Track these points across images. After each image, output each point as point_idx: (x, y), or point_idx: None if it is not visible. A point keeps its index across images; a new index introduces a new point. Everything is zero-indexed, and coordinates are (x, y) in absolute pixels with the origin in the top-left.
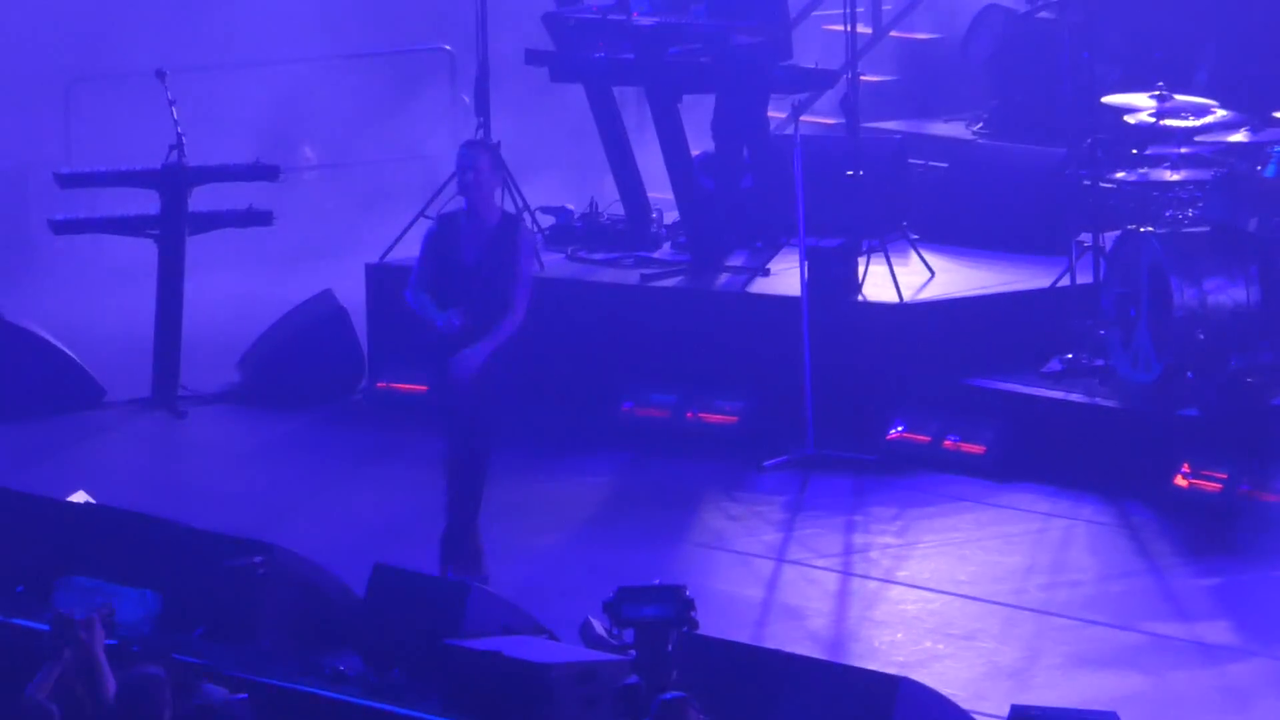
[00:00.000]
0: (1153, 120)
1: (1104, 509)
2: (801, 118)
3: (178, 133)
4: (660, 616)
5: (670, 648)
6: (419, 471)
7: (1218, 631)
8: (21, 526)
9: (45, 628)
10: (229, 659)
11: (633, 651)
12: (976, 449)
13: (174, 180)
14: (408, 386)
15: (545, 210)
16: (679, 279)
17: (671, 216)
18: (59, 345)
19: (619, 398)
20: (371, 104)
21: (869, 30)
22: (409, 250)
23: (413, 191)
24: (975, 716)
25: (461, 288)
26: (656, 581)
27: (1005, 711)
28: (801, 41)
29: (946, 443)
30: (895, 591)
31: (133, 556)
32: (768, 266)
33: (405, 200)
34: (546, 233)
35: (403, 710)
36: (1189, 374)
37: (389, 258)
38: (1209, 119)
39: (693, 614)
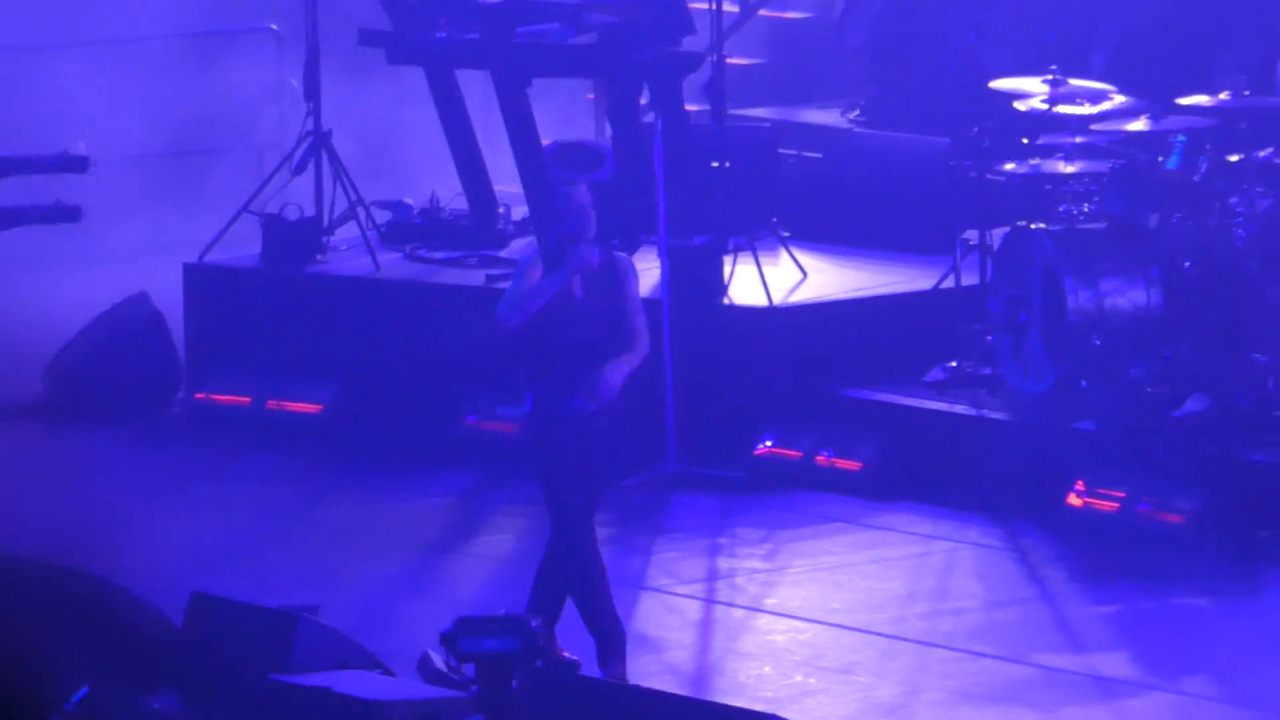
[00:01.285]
0: (1045, 107)
1: (991, 530)
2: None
3: None
4: (502, 650)
5: (515, 684)
6: (242, 490)
7: (1114, 663)
8: None
9: None
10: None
11: (474, 688)
12: (852, 465)
13: None
14: (229, 398)
15: (381, 205)
16: None
17: (520, 212)
18: None
19: (463, 410)
20: (190, 88)
21: (735, 9)
22: (231, 249)
23: (235, 184)
24: None
25: (569, 323)
26: (502, 612)
27: None
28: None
29: (820, 458)
30: (763, 621)
31: None
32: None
33: (227, 194)
34: (382, 230)
35: None
36: (1084, 383)
37: (209, 256)
38: (1106, 106)
39: (541, 646)
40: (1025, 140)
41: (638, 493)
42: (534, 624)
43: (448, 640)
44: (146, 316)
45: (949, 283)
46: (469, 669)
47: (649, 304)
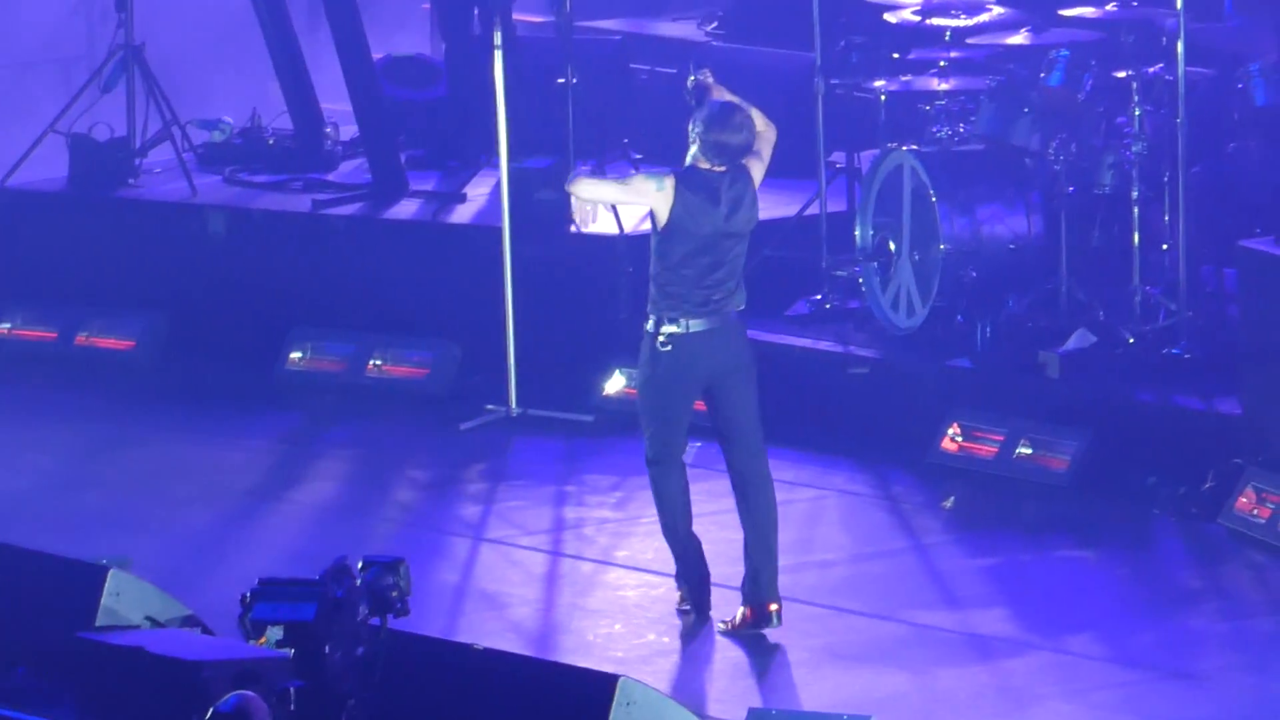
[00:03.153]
0: (917, 19)
1: (858, 477)
2: (516, 16)
3: None
4: (295, 620)
5: (329, 648)
6: (46, 432)
7: (992, 620)
8: None
9: None
10: None
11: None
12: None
13: None
14: (33, 333)
15: (199, 124)
16: (358, 206)
17: (349, 131)
18: None
19: (286, 347)
20: None
21: None
22: (36, 171)
23: (40, 101)
24: None
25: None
26: (322, 566)
27: (742, 716)
28: None
29: None
30: (613, 575)
31: None
32: (464, 191)
33: (31, 112)
34: (200, 151)
35: (28, 717)
36: (959, 318)
37: (13, 180)
38: (983, 18)
39: (351, 608)
40: (896, 55)
41: (477, 436)
42: (339, 590)
43: (243, 610)
44: None
45: (813, 209)
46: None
47: (490, 233)
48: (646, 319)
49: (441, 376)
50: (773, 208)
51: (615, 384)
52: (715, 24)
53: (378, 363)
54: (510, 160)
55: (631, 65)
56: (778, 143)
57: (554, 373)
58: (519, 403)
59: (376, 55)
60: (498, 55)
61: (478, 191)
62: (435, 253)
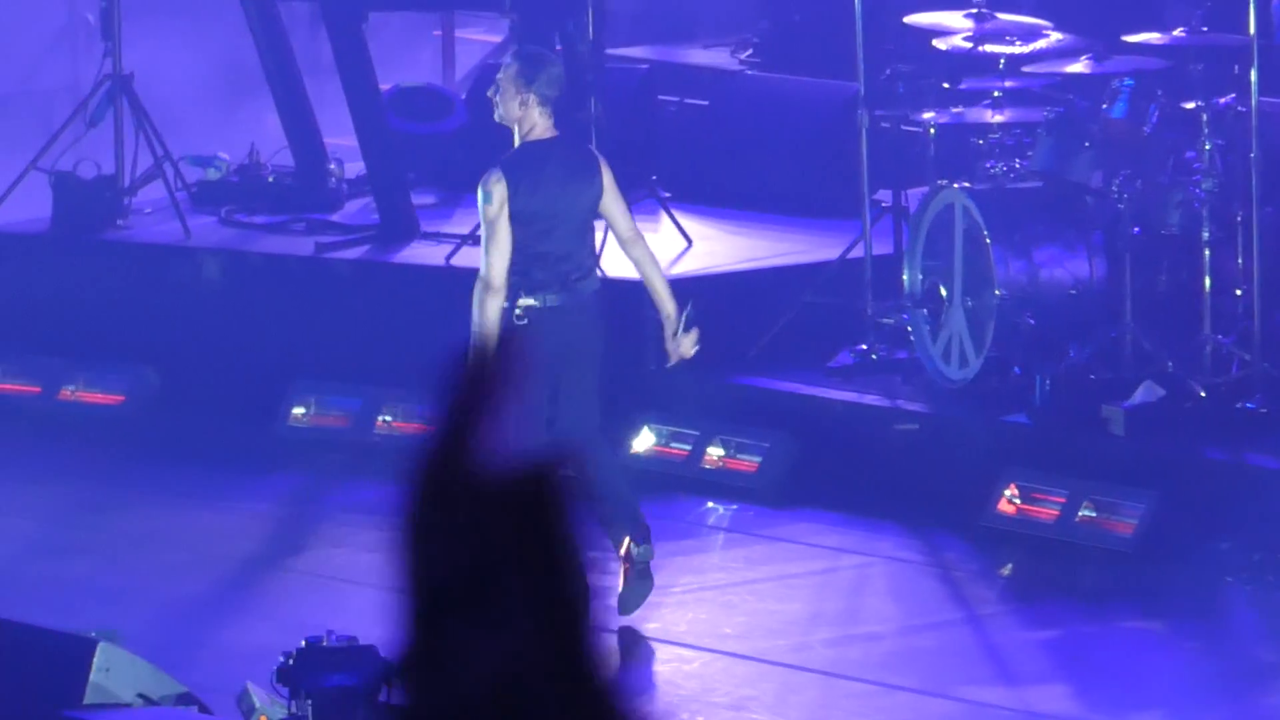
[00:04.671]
0: (969, 46)
1: (908, 542)
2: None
3: None
4: (348, 685)
5: None
6: (28, 494)
7: (1051, 698)
8: None
9: None
10: None
11: None
12: (746, 465)
13: None
14: (14, 386)
15: (193, 161)
16: (364, 249)
17: (355, 168)
18: None
19: (287, 402)
20: None
21: None
22: (17, 211)
23: (21, 136)
24: None
25: None
26: (332, 637)
27: None
28: None
29: (708, 458)
30: (644, 648)
31: None
32: (478, 233)
33: (12, 148)
34: (193, 190)
35: None
36: (1016, 369)
37: None
38: (1040, 44)
39: (393, 681)
40: (946, 85)
41: None
42: (383, 654)
43: (285, 674)
44: None
45: (857, 252)
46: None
47: None
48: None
49: None
50: (814, 250)
51: (645, 441)
52: (750, 51)
53: (387, 419)
54: None
55: (659, 96)
56: (820, 181)
57: None
58: None
59: (384, 86)
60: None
61: None
62: (448, 300)
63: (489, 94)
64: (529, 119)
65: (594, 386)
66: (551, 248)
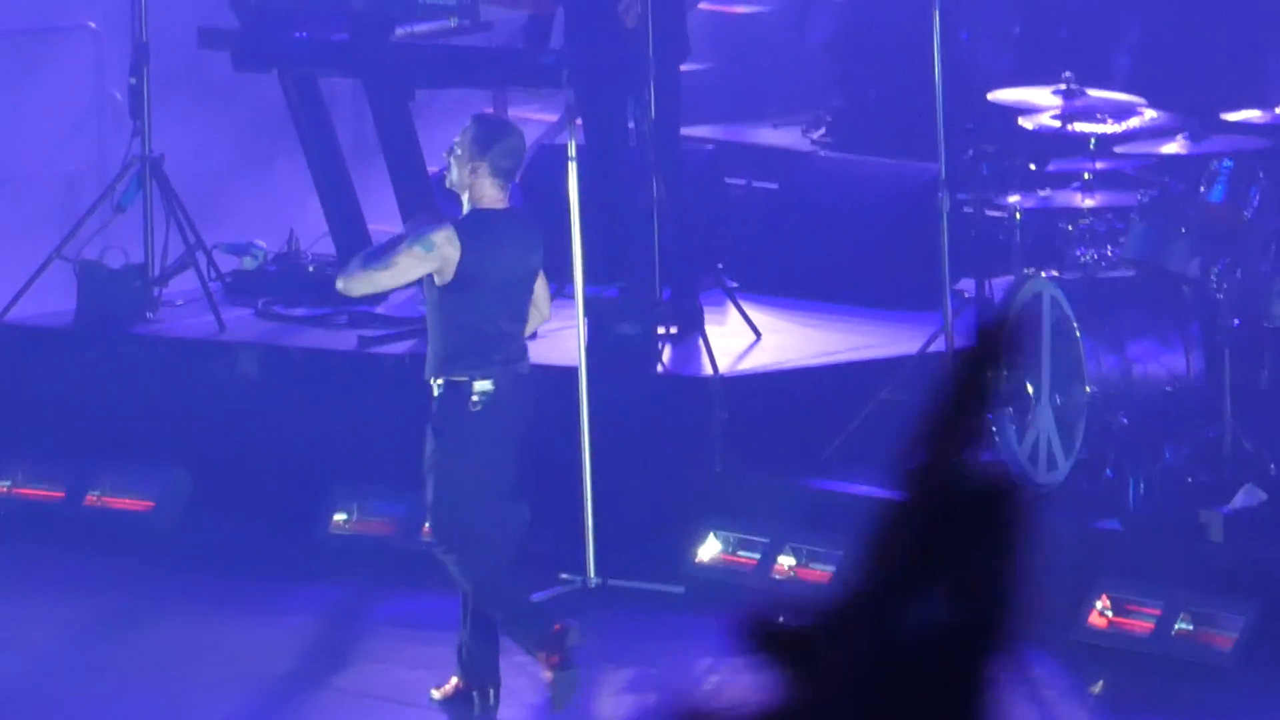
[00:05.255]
0: (1057, 125)
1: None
2: (577, 121)
3: None
4: None
5: None
6: (51, 607)
7: None
8: None
9: None
10: None
11: None
12: (820, 575)
13: None
14: (37, 491)
15: (227, 249)
16: (410, 343)
17: None
18: None
19: (328, 508)
20: None
21: None
22: (39, 303)
23: (43, 222)
24: None
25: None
26: None
27: None
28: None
29: (778, 567)
30: None
31: None
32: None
33: (34, 234)
34: (228, 280)
35: None
36: (1108, 472)
37: (12, 314)
38: (1133, 123)
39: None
40: (1032, 166)
41: (549, 609)
42: None
43: None
44: None
45: (937, 346)
46: None
47: (564, 374)
48: (436, 379)
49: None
50: (890, 344)
51: (710, 549)
52: (823, 130)
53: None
54: (586, 288)
55: (727, 178)
56: (897, 269)
57: (638, 536)
58: (598, 571)
59: (431, 168)
60: (571, 167)
61: (549, 326)
62: None
63: (444, 154)
64: (478, 187)
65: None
66: (501, 324)
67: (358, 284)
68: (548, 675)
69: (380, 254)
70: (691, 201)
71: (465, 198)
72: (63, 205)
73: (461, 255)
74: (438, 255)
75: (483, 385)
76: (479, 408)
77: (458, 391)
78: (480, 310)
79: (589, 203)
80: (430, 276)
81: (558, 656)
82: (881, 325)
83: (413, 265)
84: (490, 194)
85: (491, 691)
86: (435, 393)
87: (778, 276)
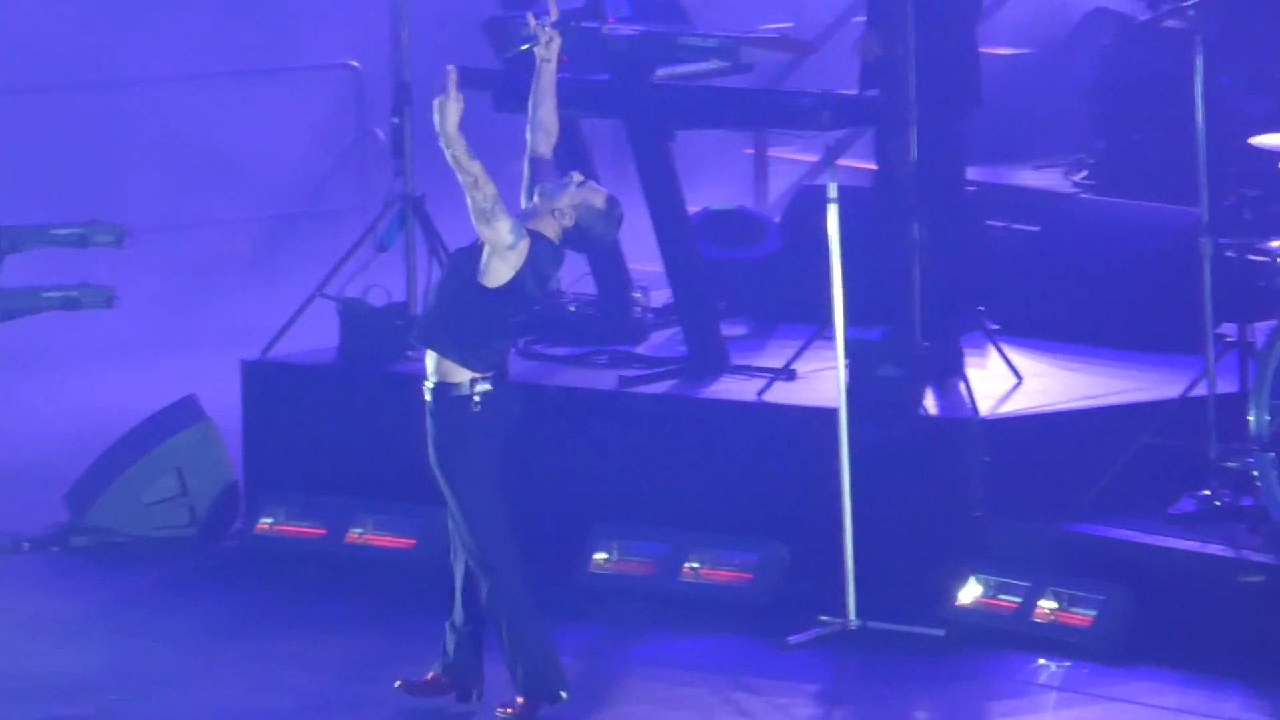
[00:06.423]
0: None
1: (1256, 704)
2: (839, 162)
3: None
4: None
5: None
6: (313, 646)
7: None
8: None
9: None
10: None
11: None
12: (1081, 619)
13: None
14: (298, 529)
15: None
16: (671, 383)
17: (661, 296)
18: None
19: (589, 547)
20: (246, 139)
21: None
22: (302, 341)
23: (306, 260)
24: None
25: None
26: None
27: None
28: (833, 58)
29: (1039, 611)
30: None
31: None
32: (793, 367)
33: (296, 272)
34: None
35: None
36: None
37: (274, 351)
38: None
39: None
40: None
41: (808, 653)
42: None
43: None
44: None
45: (1199, 390)
46: None
47: (825, 415)
48: (433, 373)
49: (767, 582)
50: (1152, 388)
51: (971, 592)
52: (1085, 173)
53: (694, 566)
54: (847, 330)
55: (987, 221)
56: (1159, 313)
57: (898, 578)
58: (858, 613)
59: (692, 208)
60: (831, 209)
61: (809, 367)
62: (760, 438)
63: (564, 192)
64: (555, 222)
65: None
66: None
67: (467, 167)
68: (505, 711)
69: (494, 199)
70: (954, 243)
71: (538, 223)
72: (325, 244)
73: (523, 267)
74: (516, 253)
75: (483, 387)
76: (479, 408)
77: (458, 396)
78: (508, 323)
79: (865, 243)
80: (478, 266)
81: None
82: (1143, 369)
83: (501, 230)
84: (555, 232)
85: (474, 693)
86: (430, 384)
87: (1039, 319)
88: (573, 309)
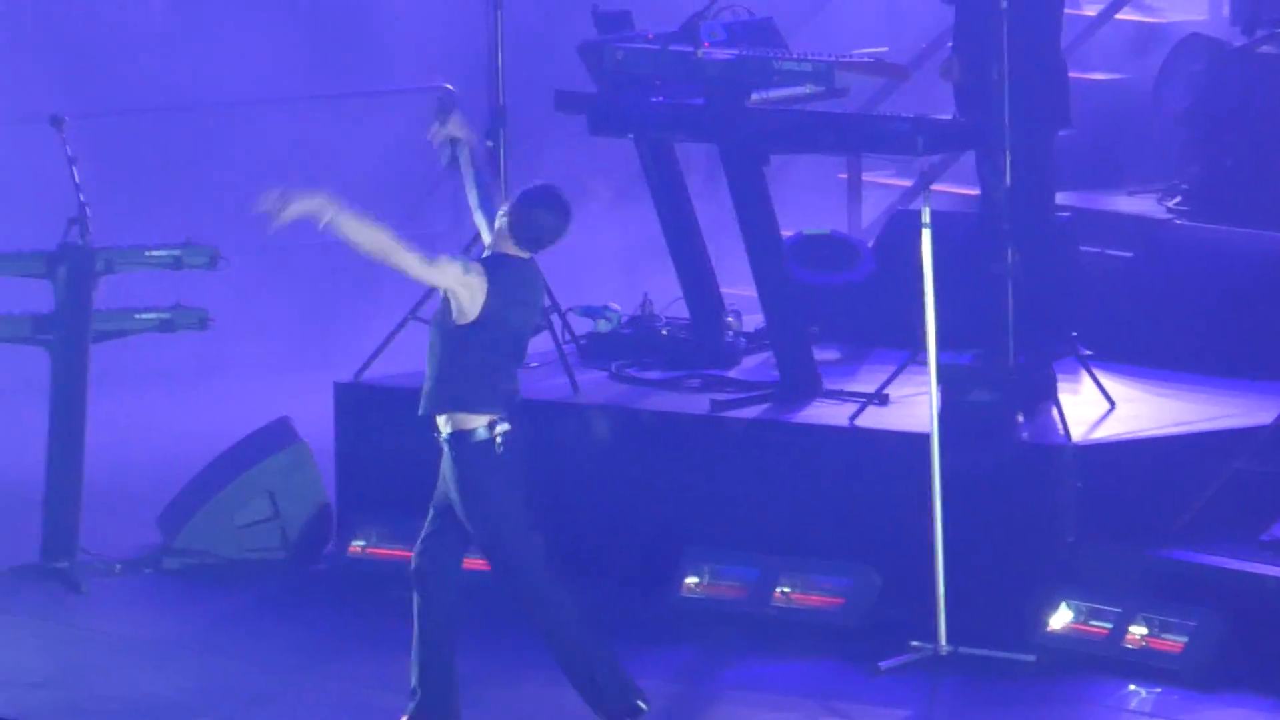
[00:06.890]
0: None
1: None
2: (932, 187)
3: (80, 201)
4: None
5: None
6: (404, 668)
7: None
8: None
9: None
10: None
11: None
12: (1172, 646)
13: (74, 266)
14: (391, 551)
15: (582, 312)
16: (763, 408)
17: (754, 321)
18: None
19: (681, 570)
20: (341, 161)
21: None
22: (394, 363)
23: (399, 283)
24: None
25: None
26: None
27: None
28: (928, 82)
29: (1130, 637)
30: None
31: None
32: (886, 392)
33: (391, 293)
34: (583, 342)
35: None
36: None
37: (367, 373)
38: None
39: None
40: None
41: (900, 678)
42: None
43: None
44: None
45: None
46: None
47: (917, 441)
48: (446, 424)
49: (858, 607)
50: (1245, 414)
51: (1062, 618)
52: (1179, 199)
53: (785, 590)
54: (940, 355)
55: (1081, 247)
56: (1253, 339)
57: (990, 604)
58: (949, 639)
59: (785, 232)
60: (925, 234)
61: (902, 392)
62: (851, 463)
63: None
64: (503, 238)
65: None
66: (512, 366)
67: (374, 248)
68: None
69: (416, 253)
70: (1047, 268)
71: (495, 243)
72: None
73: (488, 295)
74: (472, 281)
75: (503, 428)
76: (501, 449)
77: (478, 442)
78: (498, 350)
79: (958, 267)
80: (450, 313)
81: None
82: (1236, 394)
83: (445, 268)
84: (512, 247)
85: None
86: (445, 433)
87: (1132, 345)
88: (665, 332)
